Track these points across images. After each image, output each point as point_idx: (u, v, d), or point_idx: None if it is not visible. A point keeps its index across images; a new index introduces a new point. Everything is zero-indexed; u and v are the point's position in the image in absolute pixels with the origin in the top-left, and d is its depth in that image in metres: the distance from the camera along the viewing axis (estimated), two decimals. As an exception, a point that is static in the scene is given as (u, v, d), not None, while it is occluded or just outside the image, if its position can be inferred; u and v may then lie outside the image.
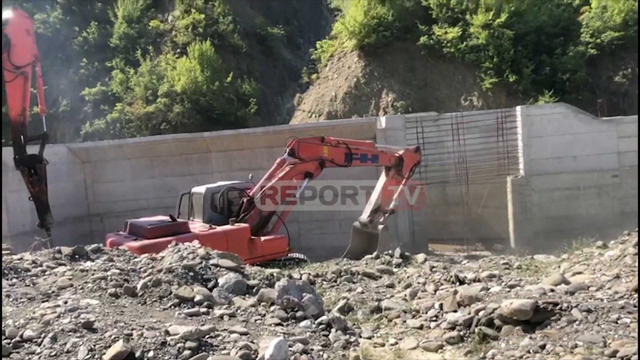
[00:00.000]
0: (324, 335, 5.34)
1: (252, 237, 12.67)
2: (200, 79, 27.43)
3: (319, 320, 5.61)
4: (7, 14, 13.03)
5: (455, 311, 6.09)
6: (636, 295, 5.40)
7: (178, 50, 30.39)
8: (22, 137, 13.06)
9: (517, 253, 11.26)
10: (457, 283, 7.24)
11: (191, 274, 6.54)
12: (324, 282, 8.08)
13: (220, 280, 6.49)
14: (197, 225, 12.79)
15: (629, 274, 6.22)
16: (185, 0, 32.03)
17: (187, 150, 18.60)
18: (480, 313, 5.65)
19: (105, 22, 32.14)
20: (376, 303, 6.87)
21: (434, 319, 6.14)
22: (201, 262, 6.83)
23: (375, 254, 10.32)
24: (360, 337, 5.69)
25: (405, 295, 7.14)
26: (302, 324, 5.53)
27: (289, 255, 13.03)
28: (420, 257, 10.04)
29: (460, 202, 17.16)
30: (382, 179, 14.85)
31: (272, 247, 12.66)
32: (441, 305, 6.31)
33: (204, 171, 18.36)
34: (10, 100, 13.05)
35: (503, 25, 24.55)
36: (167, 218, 12.59)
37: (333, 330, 5.47)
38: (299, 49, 37.15)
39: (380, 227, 14.42)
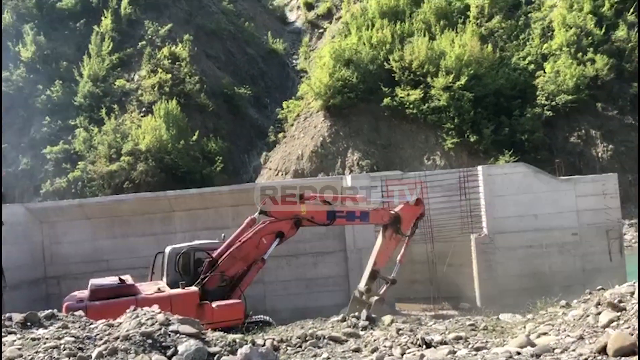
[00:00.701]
0: (287, 406, 5.13)
1: (203, 302, 11.96)
2: (165, 137, 27.41)
3: (282, 389, 5.40)
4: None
5: (422, 377, 5.96)
6: (600, 358, 5.40)
7: (143, 109, 30.45)
8: (-23, 197, 12.67)
9: (483, 313, 11.23)
10: (424, 346, 7.13)
11: (149, 341, 6.26)
12: (289, 348, 7.84)
13: (180, 348, 6.23)
14: (151, 288, 12.31)
15: (592, 335, 6.24)
16: (152, 60, 32.37)
17: (150, 209, 18.25)
18: (448, 379, 5.54)
19: (70, 81, 32.10)
20: (342, 369, 6.68)
21: (401, 385, 5.99)
22: (160, 329, 6.56)
23: (341, 316, 10.10)
24: (325, 406, 5.48)
25: (372, 360, 6.97)
26: (265, 393, 5.30)
27: (253, 318, 12.56)
28: (387, 318, 9.90)
29: (426, 260, 17.18)
30: (379, 239, 13.96)
31: (225, 314, 11.64)
32: (408, 371, 6.18)
33: (167, 231, 17.96)
34: (-33, 159, 12.74)
35: (463, 88, 25.50)
36: (117, 280, 12.13)
37: (297, 400, 5.26)
38: (266, 108, 37.66)
39: (374, 299, 13.26)
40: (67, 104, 31.18)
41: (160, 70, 31.64)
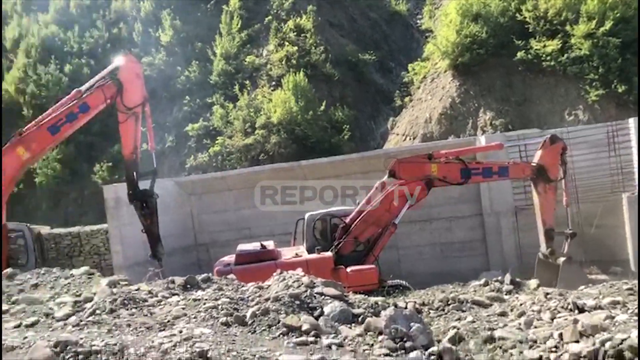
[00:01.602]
0: (435, 366, 5.15)
1: (338, 267, 12.24)
2: (294, 109, 28.14)
3: (429, 351, 5.42)
4: (119, 60, 14.12)
5: (577, 342, 5.65)
6: None
7: (273, 82, 31.45)
8: (134, 173, 13.96)
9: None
10: (576, 311, 6.75)
11: (297, 302, 6.58)
12: (431, 311, 7.84)
13: (326, 309, 6.47)
14: (290, 253, 12.91)
15: None
16: (278, 34, 33.20)
17: (285, 178, 19.02)
18: (607, 344, 5.21)
19: (205, 61, 33.96)
20: (489, 332, 6.53)
21: (554, 349, 5.73)
22: (306, 291, 6.86)
23: (483, 280, 9.85)
24: (475, 369, 5.42)
25: (520, 324, 6.74)
26: (412, 354, 5.36)
27: (390, 282, 12.67)
28: (533, 282, 9.50)
29: (572, 222, 16.17)
30: (536, 198, 13.33)
31: (359, 279, 11.82)
32: (561, 335, 5.89)
33: (302, 199, 18.65)
34: (123, 139, 14.06)
35: (608, 34, 23.16)
36: (259, 245, 12.87)
37: (445, 361, 5.26)
38: (391, 73, 37.17)
39: (561, 259, 12.73)
40: (203, 83, 33.08)
41: (286, 43, 32.37)
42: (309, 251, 13.04)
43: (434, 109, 26.87)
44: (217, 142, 29.68)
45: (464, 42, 26.09)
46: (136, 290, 7.53)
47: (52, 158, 30.96)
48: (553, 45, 24.13)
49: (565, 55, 23.74)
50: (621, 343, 5.07)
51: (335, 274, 11.98)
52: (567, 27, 24.14)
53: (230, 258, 13.05)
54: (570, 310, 6.89)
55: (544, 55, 24.35)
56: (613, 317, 6.12)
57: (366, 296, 7.97)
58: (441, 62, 28.03)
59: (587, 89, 22.89)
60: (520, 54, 24.84)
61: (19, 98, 34.36)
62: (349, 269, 12.21)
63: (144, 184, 14.15)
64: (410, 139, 27.44)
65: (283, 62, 31.77)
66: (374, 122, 33.23)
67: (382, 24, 39.45)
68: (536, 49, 24.60)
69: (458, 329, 6.69)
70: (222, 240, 19.18)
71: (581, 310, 6.80)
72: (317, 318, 6.35)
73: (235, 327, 6.18)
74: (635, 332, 5.11)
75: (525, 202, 16.77)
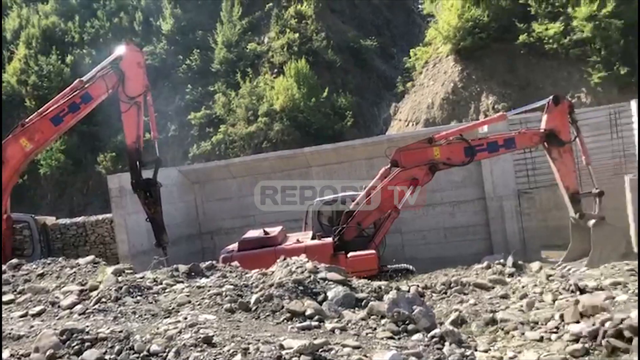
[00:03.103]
0: (437, 349, 5.20)
1: (337, 253, 12.26)
2: (297, 96, 28.14)
3: (431, 333, 5.47)
4: (121, 49, 14.12)
5: (577, 322, 5.72)
6: None
7: (275, 70, 31.40)
8: (137, 162, 14.01)
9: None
10: (578, 292, 6.80)
11: (301, 288, 6.64)
12: (434, 294, 7.90)
13: (329, 294, 6.53)
14: (292, 240, 12.99)
15: None
16: (279, 21, 33.09)
17: (288, 166, 19.06)
18: (607, 324, 5.26)
19: (206, 49, 33.89)
20: (491, 315, 6.60)
21: (555, 330, 5.80)
22: (310, 276, 6.91)
23: (485, 263, 9.86)
24: (477, 350, 5.48)
25: (522, 306, 6.80)
26: (415, 337, 5.42)
27: (392, 266, 12.74)
28: (535, 265, 9.54)
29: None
30: (552, 165, 12.77)
31: (358, 265, 11.73)
32: (562, 316, 5.95)
33: (305, 185, 18.70)
34: (126, 129, 14.09)
35: (610, 16, 23.01)
36: (267, 230, 12.98)
37: (447, 343, 5.31)
38: (393, 59, 37.04)
39: (591, 222, 12.09)
40: (205, 71, 33.05)
41: (288, 30, 32.28)
42: (314, 237, 13.10)
43: (436, 94, 26.82)
44: (219, 130, 29.73)
45: (466, 26, 25.98)
46: (141, 278, 7.60)
47: (55, 149, 31.07)
48: (555, 28, 24.00)
49: (568, 38, 23.63)
50: (620, 323, 5.12)
51: (334, 260, 11.88)
52: (569, 10, 23.99)
53: (235, 245, 13.17)
54: (572, 291, 6.94)
55: (546, 38, 24.23)
56: (613, 298, 6.16)
57: (369, 281, 8.04)
58: (443, 47, 27.92)
59: (590, 71, 22.81)
60: (522, 38, 24.72)
61: (21, 89, 34.40)
62: (348, 255, 12.21)
63: (147, 173, 14.21)
64: (413, 124, 27.42)
65: (284, 49, 31.70)
66: (377, 108, 33.20)
67: (383, 10, 39.23)
68: (538, 32, 24.47)
69: (460, 311, 6.76)
70: (227, 227, 19.28)
71: (582, 291, 6.85)
72: (320, 303, 6.41)
73: (240, 313, 6.25)
74: (635, 312, 5.16)
75: (528, 185, 16.80)
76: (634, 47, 22.36)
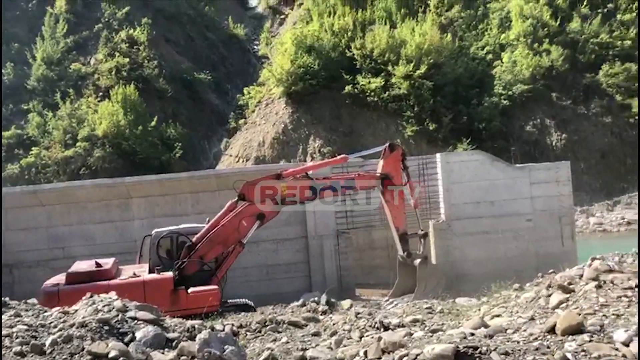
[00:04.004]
0: (246, 389, 5.16)
1: (178, 288, 11.78)
2: (123, 123, 26.86)
3: (242, 373, 5.42)
4: None
5: (379, 358, 6.06)
6: (549, 337, 5.60)
7: (100, 93, 29.74)
8: None
9: (440, 297, 11.46)
10: (382, 329, 7.25)
11: (106, 327, 6.16)
12: (248, 333, 7.87)
13: (138, 334, 6.16)
14: (128, 273, 12.11)
15: (542, 316, 6.47)
16: (109, 43, 31.58)
17: (107, 196, 17.85)
18: (404, 359, 5.66)
19: (22, 63, 31.02)
20: (301, 353, 6.73)
21: (359, 366, 6.08)
22: (117, 315, 6.47)
23: (301, 301, 10.11)
24: (285, 389, 5.53)
25: (331, 344, 7.06)
26: (224, 378, 5.32)
27: (229, 302, 12.37)
28: (346, 303, 10.01)
29: (386, 246, 17.37)
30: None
31: (199, 301, 11.20)
32: (366, 353, 6.27)
33: (125, 218, 17.65)
34: None
35: (423, 77, 25.79)
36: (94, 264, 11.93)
37: (256, 383, 5.30)
38: (227, 95, 37.26)
39: (417, 261, 12.89)
40: (19, 87, 30.14)
41: (117, 54, 30.92)
42: (152, 271, 12.29)
43: (267, 133, 27.45)
44: (31, 152, 27.10)
45: (298, 72, 27.21)
46: None
47: None
48: (377, 82, 26.19)
49: (387, 93, 25.89)
50: (415, 358, 5.54)
51: (175, 295, 11.34)
52: (389, 67, 26.40)
53: (60, 278, 11.82)
54: (377, 328, 7.38)
55: (368, 91, 26.32)
56: (412, 334, 6.68)
57: (184, 320, 7.77)
58: (276, 89, 28.83)
59: (404, 124, 25.15)
60: (348, 88, 26.57)
61: None
62: (189, 290, 11.67)
63: None
64: (243, 161, 27.65)
65: (112, 73, 30.23)
66: (208, 142, 32.94)
67: (219, 46, 39.51)
68: (362, 85, 26.50)
69: (272, 350, 6.80)
70: (30, 260, 17.33)
71: (386, 328, 7.32)
72: (127, 344, 6.01)
73: (32, 357, 5.61)
74: (427, 347, 5.62)
75: (346, 226, 17.72)
76: (441, 106, 25.21)
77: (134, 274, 11.78)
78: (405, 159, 13.54)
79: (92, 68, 31.21)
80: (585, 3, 29.67)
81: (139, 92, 28.69)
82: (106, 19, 33.57)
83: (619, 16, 29.41)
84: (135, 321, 6.50)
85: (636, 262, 8.62)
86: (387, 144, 13.58)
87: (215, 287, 11.99)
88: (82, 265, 12.06)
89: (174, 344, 6.21)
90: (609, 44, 28.39)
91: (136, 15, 33.99)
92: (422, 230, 13.40)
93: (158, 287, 11.11)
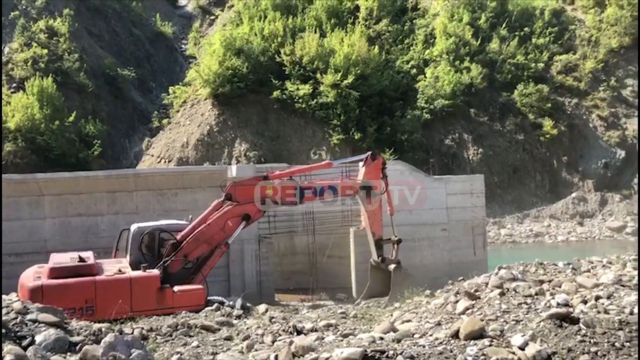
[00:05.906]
0: (151, 394, 5.04)
1: (164, 286, 11.39)
2: (38, 117, 25.55)
3: (148, 377, 5.29)
4: None
5: (290, 362, 6.10)
6: (453, 341, 5.84)
7: (14, 84, 28.13)
8: None
9: (356, 302, 11.68)
10: (295, 333, 7.30)
11: (3, 331, 5.85)
12: (158, 337, 7.68)
13: (38, 338, 5.88)
14: (112, 268, 11.50)
15: (448, 321, 6.74)
16: (25, 32, 29.96)
17: (16, 192, 16.90)
18: (314, 363, 5.72)
19: None
20: (212, 357, 6.66)
21: (269, 371, 6.09)
22: (16, 317, 6.15)
23: (215, 305, 9.99)
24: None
25: (242, 348, 7.02)
26: (128, 382, 5.17)
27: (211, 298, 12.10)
28: (262, 307, 10.00)
29: (307, 252, 17.48)
30: (362, 211, 13.90)
31: (185, 300, 11.29)
32: (276, 357, 6.29)
33: (36, 216, 16.78)
34: None
35: (350, 87, 26.23)
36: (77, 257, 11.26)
37: (162, 388, 5.19)
38: (151, 93, 36.29)
39: (392, 266, 13.30)
40: None
41: (35, 44, 29.39)
42: (133, 266, 11.74)
43: (191, 134, 26.97)
44: None
45: (226, 74, 26.95)
46: None
47: None
48: (305, 89, 26.38)
49: (315, 100, 26.13)
50: (325, 361, 5.63)
51: (161, 293, 11.09)
52: (318, 75, 26.68)
53: (38, 271, 11.00)
54: (290, 333, 7.41)
55: (297, 98, 26.46)
56: (323, 338, 6.76)
57: (91, 323, 7.49)
58: (202, 90, 28.41)
59: (331, 132, 25.47)
60: (276, 93, 26.60)
61: None
62: (175, 289, 11.32)
63: None
64: (165, 161, 27.00)
65: (28, 64, 28.70)
66: (129, 140, 31.92)
67: (145, 43, 38.46)
68: (290, 91, 26.61)
69: (182, 354, 6.67)
70: None
71: (299, 332, 7.37)
72: (25, 348, 5.72)
73: None
74: (337, 351, 5.71)
75: (268, 231, 17.68)
76: (366, 117, 25.75)
77: (119, 270, 11.27)
78: (385, 168, 14.01)
79: (6, 57, 29.50)
80: (504, 25, 31.28)
81: (57, 86, 27.40)
82: (23, 7, 31.88)
83: (534, 40, 31.27)
84: (36, 324, 6.22)
85: (539, 271, 9.18)
86: (369, 153, 14.09)
87: (201, 286, 11.86)
88: (62, 259, 11.36)
89: (77, 347, 5.99)
90: (524, 65, 30.10)
91: (57, 5, 32.50)
92: (395, 236, 13.85)
93: (145, 285, 10.84)
